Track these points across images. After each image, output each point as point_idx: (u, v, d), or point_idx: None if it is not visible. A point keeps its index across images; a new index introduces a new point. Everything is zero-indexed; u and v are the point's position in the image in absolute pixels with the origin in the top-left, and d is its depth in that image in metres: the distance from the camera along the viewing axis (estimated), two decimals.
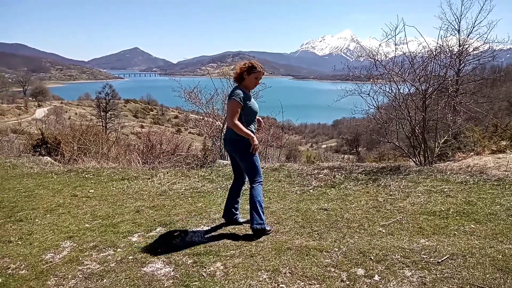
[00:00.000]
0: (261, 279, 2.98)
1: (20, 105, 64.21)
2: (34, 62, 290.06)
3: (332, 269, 3.09)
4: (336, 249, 3.44)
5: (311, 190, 5.45)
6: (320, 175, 6.13)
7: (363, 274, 3.01)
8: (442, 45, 7.91)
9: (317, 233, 3.87)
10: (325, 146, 57.11)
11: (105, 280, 3.04)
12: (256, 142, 3.75)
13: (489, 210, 4.27)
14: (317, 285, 2.88)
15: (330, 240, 3.68)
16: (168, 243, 3.74)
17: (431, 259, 3.18)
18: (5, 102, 63.27)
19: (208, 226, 4.17)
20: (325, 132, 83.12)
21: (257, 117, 4.02)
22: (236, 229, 4.05)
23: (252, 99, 3.92)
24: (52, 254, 3.55)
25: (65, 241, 3.84)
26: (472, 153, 10.30)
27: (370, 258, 3.24)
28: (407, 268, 3.06)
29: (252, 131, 3.86)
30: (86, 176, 6.64)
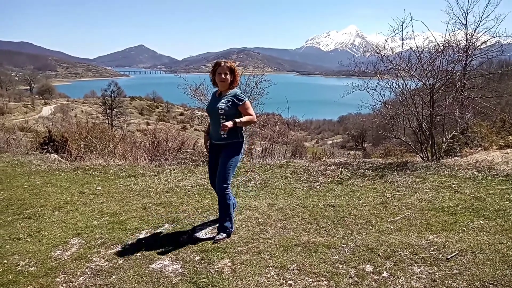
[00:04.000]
0: (269, 276, 2.98)
1: (27, 103, 64.60)
2: (40, 60, 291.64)
3: (340, 266, 3.08)
4: (344, 246, 3.43)
5: (318, 187, 5.43)
6: (327, 172, 6.11)
7: (371, 270, 2.99)
8: (449, 40, 7.83)
9: (325, 230, 3.86)
10: (330, 142, 56.94)
11: (113, 277, 3.06)
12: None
13: (498, 206, 4.23)
14: (325, 282, 2.87)
15: (337, 236, 3.67)
16: (176, 240, 3.74)
17: (440, 256, 3.16)
18: (12, 100, 63.71)
19: (215, 223, 4.17)
20: (331, 128, 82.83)
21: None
22: (243, 225, 4.05)
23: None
24: (60, 251, 3.57)
25: (74, 238, 3.87)
26: (479, 148, 10.22)
27: (378, 255, 3.22)
28: (416, 265, 3.04)
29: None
30: (93, 173, 6.67)
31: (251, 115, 3.78)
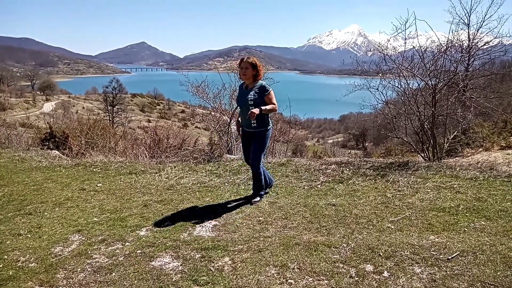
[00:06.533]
0: (269, 274, 2.97)
1: (28, 99, 64.69)
2: (42, 56, 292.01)
3: (341, 265, 3.08)
4: (345, 245, 3.43)
5: (319, 186, 5.42)
6: (328, 170, 6.10)
7: (372, 270, 2.99)
8: (452, 40, 7.81)
9: (325, 229, 3.85)
10: (331, 141, 56.92)
11: (113, 274, 3.06)
12: None
13: (499, 207, 4.22)
14: (326, 281, 2.87)
15: (338, 235, 3.66)
16: (176, 237, 3.74)
17: (441, 256, 3.15)
18: (13, 96, 63.79)
19: (215, 220, 4.17)
20: (332, 127, 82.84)
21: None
22: (244, 224, 4.04)
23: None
24: (61, 247, 3.58)
25: (74, 235, 3.87)
26: (481, 149, 10.19)
27: (379, 254, 3.22)
28: (416, 265, 3.04)
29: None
30: (94, 170, 6.66)
31: (274, 104, 4.40)
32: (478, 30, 9.65)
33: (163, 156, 8.07)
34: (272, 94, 4.40)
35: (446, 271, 2.92)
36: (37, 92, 77.12)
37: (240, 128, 4.75)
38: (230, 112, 8.69)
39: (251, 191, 4.94)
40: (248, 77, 4.37)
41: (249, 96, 4.32)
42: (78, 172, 6.54)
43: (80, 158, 8.06)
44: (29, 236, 3.86)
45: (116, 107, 54.71)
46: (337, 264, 3.09)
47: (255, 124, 4.42)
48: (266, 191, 4.98)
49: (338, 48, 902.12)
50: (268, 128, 4.55)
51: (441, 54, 7.26)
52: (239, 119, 4.73)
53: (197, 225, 4.05)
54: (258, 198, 4.73)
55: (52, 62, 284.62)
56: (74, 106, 63.77)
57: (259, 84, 4.40)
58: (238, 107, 4.71)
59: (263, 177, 4.72)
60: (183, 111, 74.15)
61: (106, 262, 3.27)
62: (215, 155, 7.34)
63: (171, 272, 3.08)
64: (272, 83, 8.86)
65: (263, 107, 4.25)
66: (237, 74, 7.89)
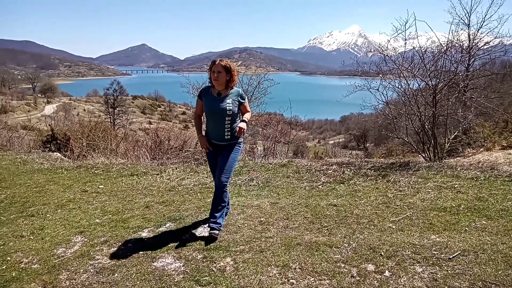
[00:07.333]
0: (271, 275, 2.99)
1: (30, 101, 64.77)
2: (43, 59, 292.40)
3: (342, 265, 3.09)
4: (346, 245, 3.44)
5: (320, 186, 5.44)
6: (329, 171, 6.11)
7: (373, 270, 3.00)
8: (453, 40, 7.82)
9: (327, 229, 3.86)
10: (332, 142, 56.87)
11: (116, 275, 3.07)
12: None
13: (500, 206, 4.22)
14: (327, 281, 2.88)
15: (339, 235, 3.67)
16: (178, 238, 3.75)
17: (442, 255, 3.16)
18: (14, 99, 63.87)
19: None
20: (333, 128, 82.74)
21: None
22: (246, 224, 4.06)
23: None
24: (63, 249, 3.59)
25: (76, 236, 3.88)
26: (482, 149, 10.20)
27: (380, 254, 3.23)
28: (418, 264, 3.05)
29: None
30: (96, 172, 6.68)
31: (249, 111, 3.98)
32: (478, 30, 9.68)
33: (164, 157, 8.09)
34: (247, 102, 3.94)
35: (447, 271, 2.93)
36: (38, 95, 77.23)
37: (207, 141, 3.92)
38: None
39: (252, 192, 4.94)
40: (220, 83, 3.70)
41: (226, 105, 3.69)
42: (80, 174, 6.56)
43: (81, 160, 8.09)
44: (31, 237, 3.88)
45: (117, 109, 54.71)
46: (338, 264, 3.10)
47: (229, 136, 3.78)
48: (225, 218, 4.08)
49: (338, 49, 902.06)
50: (240, 141, 3.96)
51: (441, 54, 7.27)
52: (201, 129, 4.01)
53: (199, 226, 4.06)
54: (217, 231, 3.73)
55: (53, 65, 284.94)
56: (75, 108, 63.86)
57: (236, 91, 3.81)
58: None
59: (227, 198, 3.94)
60: (184, 113, 74.20)
61: (109, 263, 3.28)
62: None
63: (173, 272, 3.09)
64: (272, 84, 8.88)
65: (246, 119, 3.80)
66: (238, 75, 7.91)
